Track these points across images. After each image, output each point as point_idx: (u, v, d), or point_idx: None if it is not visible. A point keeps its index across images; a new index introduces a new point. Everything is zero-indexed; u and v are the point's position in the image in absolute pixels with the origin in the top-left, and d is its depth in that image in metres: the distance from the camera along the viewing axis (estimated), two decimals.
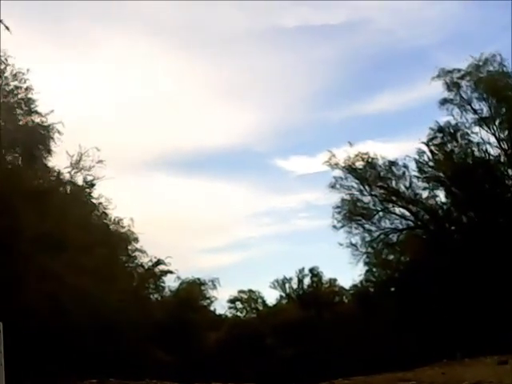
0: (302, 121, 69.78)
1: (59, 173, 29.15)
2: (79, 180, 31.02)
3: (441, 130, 34.61)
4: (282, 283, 57.71)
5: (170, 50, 64.50)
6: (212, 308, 55.34)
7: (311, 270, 56.83)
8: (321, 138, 67.69)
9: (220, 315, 57.50)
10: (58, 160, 29.04)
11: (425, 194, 36.98)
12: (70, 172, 30.06)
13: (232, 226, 69.97)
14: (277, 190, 75.18)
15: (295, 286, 57.49)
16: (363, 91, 70.29)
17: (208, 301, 47.22)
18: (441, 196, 36.52)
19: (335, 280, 56.16)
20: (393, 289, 38.16)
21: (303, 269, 56.76)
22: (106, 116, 55.85)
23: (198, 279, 45.84)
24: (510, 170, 33.69)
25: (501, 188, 33.10)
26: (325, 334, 47.79)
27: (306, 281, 57.12)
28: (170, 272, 41.97)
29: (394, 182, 37.45)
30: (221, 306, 55.76)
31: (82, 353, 23.61)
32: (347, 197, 38.01)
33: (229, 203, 69.52)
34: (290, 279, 57.40)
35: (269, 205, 71.94)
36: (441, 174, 35.31)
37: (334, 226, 37.79)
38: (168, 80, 66.00)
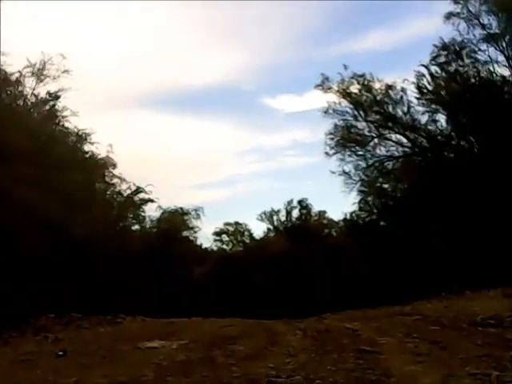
0: (291, 59, 68.07)
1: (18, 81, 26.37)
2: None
3: (445, 47, 31.59)
4: (269, 215, 56.04)
5: None
6: (197, 241, 54.69)
7: (300, 202, 55.16)
8: (309, 77, 65.27)
9: (205, 249, 56.49)
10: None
11: (424, 119, 34.34)
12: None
13: (219, 163, 70.41)
14: (264, 128, 75.56)
15: (283, 219, 55.88)
16: (354, 29, 69.87)
17: (191, 231, 44.91)
18: (441, 121, 33.87)
19: (325, 212, 54.64)
20: (388, 218, 36.02)
21: (291, 201, 55.10)
22: (95, 52, 54.81)
23: (181, 208, 43.59)
24: None
25: (508, 111, 30.45)
26: (314, 268, 46.57)
27: (295, 213, 55.52)
28: (151, 201, 39.67)
29: (390, 107, 34.80)
30: (206, 240, 54.53)
31: (42, 286, 21.40)
32: (341, 123, 35.41)
33: (216, 141, 70.05)
34: (278, 211, 55.70)
35: (256, 142, 73.03)
36: (442, 97, 32.48)
37: (327, 153, 35.37)
38: (158, 18, 65.73)
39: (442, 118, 33.79)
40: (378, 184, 36.67)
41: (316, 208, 54.99)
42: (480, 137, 31.26)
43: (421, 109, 33.97)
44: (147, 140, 63.45)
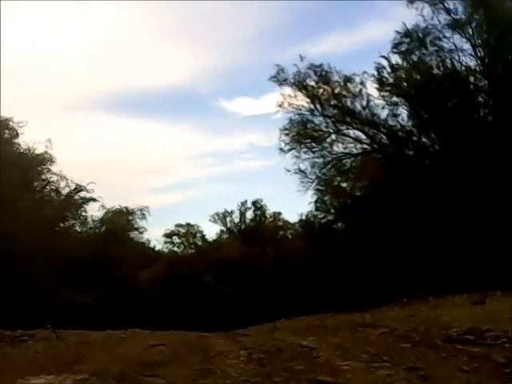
0: (248, 62, 68.68)
1: None
2: None
3: (408, 34, 29.64)
4: (222, 217, 53.99)
5: None
6: (146, 243, 52.38)
7: (254, 203, 53.30)
8: (266, 80, 62.78)
9: (156, 251, 54.31)
10: None
11: (384, 113, 32.42)
12: None
13: (176, 167, 70.66)
14: (221, 132, 77.01)
15: (237, 220, 53.73)
16: (311, 32, 69.22)
17: (137, 232, 42.16)
18: (403, 115, 31.92)
19: (280, 213, 52.99)
20: (345, 219, 34.00)
21: (245, 201, 53.20)
22: (51, 57, 55.78)
23: (126, 208, 40.75)
24: (484, 82, 29.07)
25: (473, 104, 28.73)
26: (268, 271, 44.85)
27: (249, 214, 53.85)
28: (93, 199, 36.88)
29: (349, 101, 32.78)
30: (157, 242, 53.83)
31: None
32: (296, 117, 33.21)
33: (173, 144, 70.64)
34: (232, 212, 53.70)
35: (213, 146, 74.43)
36: (403, 89, 30.51)
37: (281, 149, 33.15)
38: (113, 21, 64.06)
39: (403, 113, 31.99)
40: (336, 183, 34.61)
41: (271, 209, 53.33)
42: (442, 132, 29.44)
43: (381, 102, 32.10)
44: (102, 143, 61.92)
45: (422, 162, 31.16)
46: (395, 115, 31.76)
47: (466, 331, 12.44)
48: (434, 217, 28.23)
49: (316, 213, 36.93)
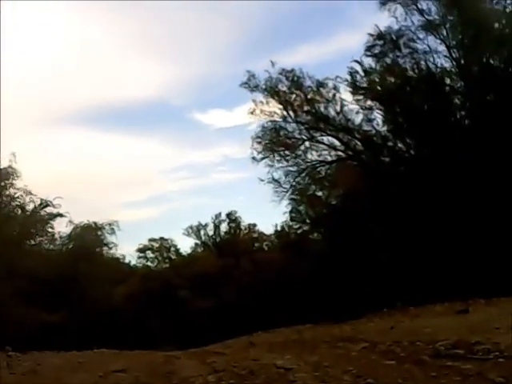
0: (221, 73, 66.89)
1: None
2: None
3: (381, 36, 28.82)
4: (196, 230, 52.91)
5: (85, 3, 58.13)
6: (120, 258, 51.02)
7: (228, 215, 52.24)
8: (240, 91, 62.75)
9: (132, 267, 53.08)
10: None
11: (358, 118, 31.60)
12: None
13: (150, 180, 69.92)
14: (195, 144, 76.81)
15: (211, 233, 52.61)
16: (284, 42, 68.23)
17: (106, 248, 40.76)
18: (378, 120, 31.03)
19: (255, 225, 52.05)
20: (321, 228, 33.04)
21: (220, 214, 52.03)
22: (19, 69, 53.30)
23: (95, 223, 39.33)
24: (460, 84, 28.37)
25: (449, 107, 28.00)
26: (244, 284, 43.83)
27: (223, 227, 52.82)
28: (60, 215, 35.41)
29: (322, 107, 31.88)
30: (131, 258, 52.29)
31: None
32: (269, 124, 32.23)
33: (146, 158, 69.93)
34: (206, 225, 52.56)
35: (187, 159, 74.57)
36: (377, 92, 29.66)
37: (254, 158, 32.10)
38: (84, 33, 62.21)
39: (377, 117, 31.11)
40: (311, 191, 33.67)
41: (246, 221, 52.33)
42: (417, 137, 28.70)
43: (355, 107, 31.23)
44: (73, 157, 60.43)
45: (397, 167, 30.38)
46: (370, 120, 30.98)
47: (453, 344, 11.50)
48: (411, 223, 27.41)
49: (291, 223, 36.02)
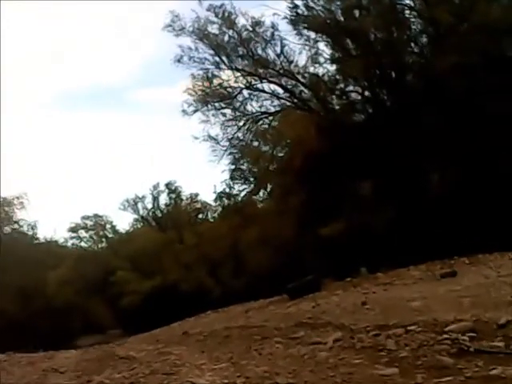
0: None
1: None
2: None
3: None
4: (133, 203, 48.09)
5: None
6: (51, 241, 47.41)
7: (167, 185, 47.67)
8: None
9: (62, 247, 49.16)
10: None
11: (302, 59, 27.16)
12: None
13: None
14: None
15: (150, 206, 48.02)
16: None
17: (16, 225, 35.37)
18: (325, 57, 26.50)
19: (197, 195, 47.76)
20: (269, 190, 28.65)
21: (158, 184, 47.39)
22: None
23: (5, 198, 33.78)
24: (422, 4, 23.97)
25: (409, 36, 23.79)
26: (189, 261, 40.47)
27: (163, 198, 48.67)
28: None
29: (259, 49, 27.30)
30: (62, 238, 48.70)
31: None
32: (199, 73, 27.44)
33: None
34: (143, 198, 47.92)
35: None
36: (323, 22, 24.96)
37: (184, 111, 27.38)
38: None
39: (324, 55, 26.55)
40: (254, 148, 29.03)
41: (187, 190, 48.25)
42: (373, 74, 24.49)
43: (298, 46, 26.62)
44: None
45: (349, 115, 26.18)
46: (316, 61, 26.51)
47: (472, 329, 7.36)
48: (371, 173, 23.32)
49: (233, 187, 31.29)
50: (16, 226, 35.09)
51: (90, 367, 9.26)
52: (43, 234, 54.26)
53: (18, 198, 33.91)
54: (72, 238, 47.69)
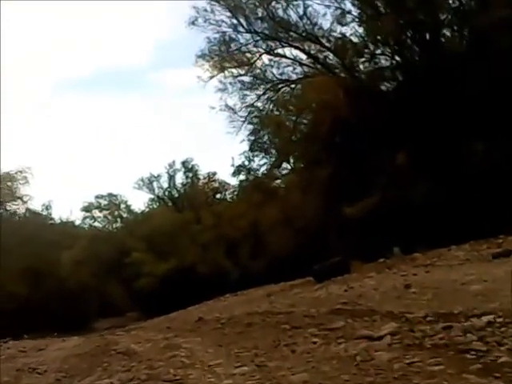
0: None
1: None
2: None
3: None
4: (148, 182, 46.44)
5: None
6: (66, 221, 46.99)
7: (184, 164, 45.80)
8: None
9: (77, 227, 48.14)
10: None
11: (327, 22, 24.92)
12: None
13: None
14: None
15: (165, 185, 46.28)
16: None
17: (19, 202, 33.51)
18: (353, 25, 24.20)
19: (214, 174, 45.96)
20: (292, 162, 26.36)
21: (173, 163, 45.60)
22: None
23: (7, 173, 31.72)
24: None
25: None
26: (206, 242, 39.23)
27: (179, 177, 47.07)
28: None
29: (280, 11, 25.04)
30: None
31: None
32: (216, 36, 25.25)
33: None
34: (159, 177, 46.21)
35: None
36: None
37: (200, 78, 25.23)
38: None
39: (352, 13, 24.16)
40: (276, 116, 26.73)
41: (204, 169, 46.68)
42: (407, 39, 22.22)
43: (322, 6, 24.31)
44: None
45: (380, 79, 23.93)
46: (342, 23, 24.22)
47: None
48: (408, 143, 21.11)
49: (253, 157, 28.83)
50: (19, 201, 32.96)
51: (78, 366, 7.38)
52: (58, 214, 53.63)
53: (20, 172, 31.86)
54: (85, 217, 46.02)
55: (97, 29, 66.94)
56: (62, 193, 66.97)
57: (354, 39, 24.37)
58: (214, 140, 65.16)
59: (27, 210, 40.55)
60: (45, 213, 43.37)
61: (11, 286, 32.55)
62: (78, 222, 47.33)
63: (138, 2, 58.33)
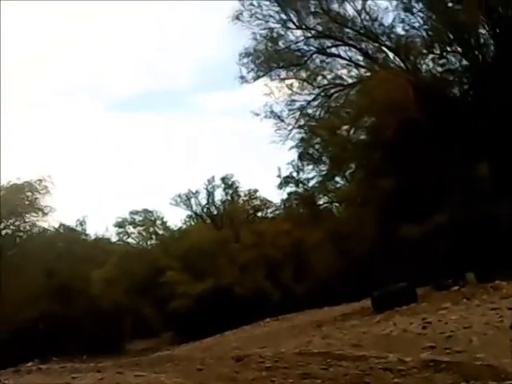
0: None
1: None
2: None
3: None
4: (186, 198, 44.79)
5: None
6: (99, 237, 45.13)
7: (223, 180, 44.02)
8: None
9: (111, 242, 45.79)
10: None
11: (389, 18, 22.17)
12: None
13: None
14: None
15: (204, 202, 44.53)
16: None
17: (40, 213, 31.34)
18: (418, 18, 21.36)
19: (256, 191, 45.05)
20: (348, 173, 23.20)
21: (213, 178, 43.78)
22: None
23: (27, 182, 29.50)
24: None
25: None
26: (246, 262, 37.40)
27: (219, 194, 45.04)
28: None
29: (336, 5, 22.41)
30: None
31: None
32: (263, 32, 22.66)
33: None
34: (197, 193, 44.47)
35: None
36: None
37: (242, 78, 22.72)
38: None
39: (418, 17, 21.47)
40: (329, 121, 23.85)
41: (245, 186, 44.70)
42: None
43: (382, 2, 21.59)
44: None
45: (452, 87, 21.06)
46: (406, 21, 21.47)
47: None
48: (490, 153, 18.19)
49: (302, 167, 25.64)
50: (40, 213, 30.77)
51: None
52: (93, 229, 52.07)
53: (40, 180, 29.70)
54: (119, 233, 44.14)
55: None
56: (97, 208, 66.06)
57: (418, 38, 21.46)
58: (256, 151, 63.48)
59: (61, 225, 39.43)
60: (79, 228, 42.06)
61: (43, 304, 31.41)
62: (113, 239, 45.38)
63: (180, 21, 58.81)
